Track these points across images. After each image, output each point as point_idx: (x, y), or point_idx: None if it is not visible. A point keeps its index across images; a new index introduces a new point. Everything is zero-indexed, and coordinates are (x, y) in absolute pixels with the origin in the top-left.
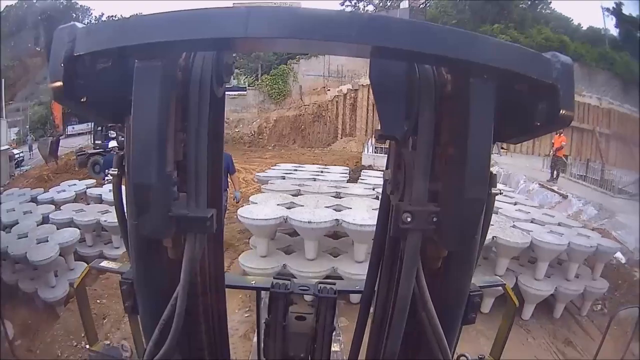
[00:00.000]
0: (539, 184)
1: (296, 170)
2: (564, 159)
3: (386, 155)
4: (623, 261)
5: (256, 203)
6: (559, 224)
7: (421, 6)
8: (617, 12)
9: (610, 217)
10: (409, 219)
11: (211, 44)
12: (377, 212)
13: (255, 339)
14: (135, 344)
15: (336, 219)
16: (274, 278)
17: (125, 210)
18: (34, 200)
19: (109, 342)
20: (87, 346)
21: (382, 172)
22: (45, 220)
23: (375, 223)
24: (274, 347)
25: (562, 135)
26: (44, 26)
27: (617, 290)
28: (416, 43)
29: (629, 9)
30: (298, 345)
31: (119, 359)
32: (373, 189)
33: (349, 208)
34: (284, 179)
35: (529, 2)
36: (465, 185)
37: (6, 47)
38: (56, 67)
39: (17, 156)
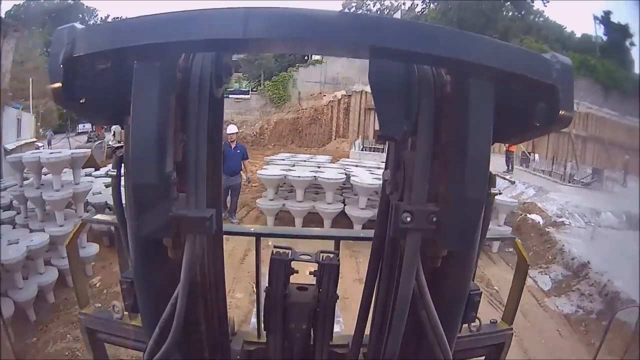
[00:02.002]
0: (496, 174)
1: (294, 157)
2: (527, 154)
3: (370, 153)
4: (540, 222)
5: (267, 169)
6: None
7: (416, 14)
8: (605, 20)
9: (542, 195)
10: (408, 219)
11: (210, 45)
12: (340, 174)
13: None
14: (124, 300)
15: (315, 176)
16: (275, 247)
17: (125, 211)
18: (88, 175)
19: (100, 305)
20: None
21: (354, 160)
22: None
23: (336, 178)
24: (275, 318)
25: None
26: (52, 26)
27: (529, 241)
28: (416, 44)
29: (617, 17)
30: (299, 316)
31: (111, 320)
32: (342, 167)
33: (323, 172)
34: (284, 160)
35: (519, 14)
36: (465, 185)
37: (16, 46)
38: (55, 68)
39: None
